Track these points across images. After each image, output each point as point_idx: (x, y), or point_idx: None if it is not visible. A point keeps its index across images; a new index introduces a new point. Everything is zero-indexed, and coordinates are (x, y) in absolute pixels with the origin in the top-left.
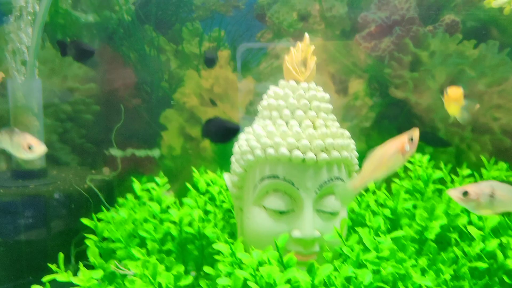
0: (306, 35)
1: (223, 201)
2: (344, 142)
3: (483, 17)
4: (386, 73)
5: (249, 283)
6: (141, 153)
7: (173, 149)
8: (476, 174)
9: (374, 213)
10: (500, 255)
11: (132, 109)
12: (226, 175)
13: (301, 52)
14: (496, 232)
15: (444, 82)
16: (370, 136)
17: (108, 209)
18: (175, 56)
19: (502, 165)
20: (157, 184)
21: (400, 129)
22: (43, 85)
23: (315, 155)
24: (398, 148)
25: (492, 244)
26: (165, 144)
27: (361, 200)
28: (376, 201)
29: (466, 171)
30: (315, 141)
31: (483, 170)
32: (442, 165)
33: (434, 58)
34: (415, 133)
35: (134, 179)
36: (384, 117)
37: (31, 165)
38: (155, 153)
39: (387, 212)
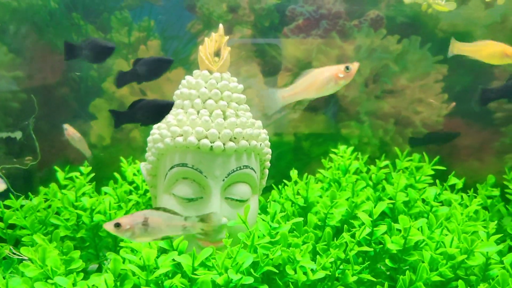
0: (221, 25)
1: (147, 190)
2: (254, 132)
3: (407, 13)
4: (314, 66)
5: (129, 265)
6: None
7: (103, 138)
8: (390, 165)
9: (293, 203)
10: (388, 240)
11: (60, 98)
12: (142, 164)
13: (215, 42)
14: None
15: (369, 76)
16: (298, 127)
17: (17, 198)
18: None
19: (415, 156)
20: (81, 173)
21: (327, 121)
22: None
23: (223, 144)
24: (333, 74)
25: (381, 229)
26: (94, 133)
27: (282, 190)
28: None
29: (383, 163)
30: (223, 130)
31: (397, 161)
32: (359, 156)
33: (359, 52)
34: (354, 64)
35: (57, 168)
36: (311, 109)
37: None
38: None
39: (300, 201)
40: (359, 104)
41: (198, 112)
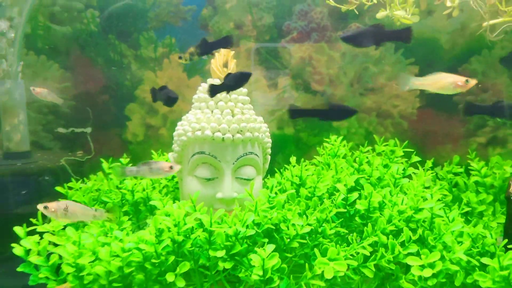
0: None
1: (174, 176)
2: (256, 125)
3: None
4: (308, 71)
5: (164, 222)
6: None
7: (137, 135)
8: (371, 150)
9: (293, 183)
10: (363, 205)
11: (102, 103)
12: (170, 154)
13: (223, 56)
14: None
15: (353, 77)
16: (296, 121)
17: (77, 181)
18: (135, 59)
19: (391, 142)
20: (121, 163)
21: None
22: (27, 85)
23: (232, 136)
24: (455, 81)
25: (353, 195)
26: (129, 131)
27: (283, 172)
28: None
29: (366, 148)
30: (232, 125)
31: (376, 146)
32: (344, 143)
33: (344, 58)
34: (473, 81)
35: (102, 159)
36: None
37: (17, 148)
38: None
39: (296, 180)
40: (346, 100)
41: (212, 112)
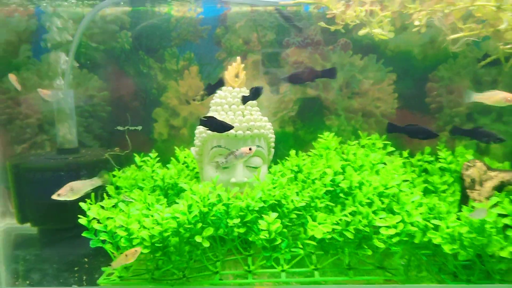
0: (238, 58)
1: (194, 167)
2: (262, 124)
3: (365, 39)
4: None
5: (193, 197)
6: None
7: (162, 135)
8: (357, 144)
9: (292, 171)
10: (346, 184)
11: (133, 109)
12: (192, 149)
13: (235, 68)
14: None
15: (342, 83)
16: (296, 122)
17: (119, 170)
18: (160, 71)
19: (373, 136)
20: (151, 157)
21: (313, 118)
22: (75, 95)
23: (243, 132)
24: (506, 96)
25: (339, 178)
26: (156, 132)
27: (284, 163)
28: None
29: (354, 142)
30: (243, 124)
31: (361, 140)
32: (335, 138)
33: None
34: None
35: (135, 154)
36: (304, 109)
37: (69, 145)
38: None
39: (295, 168)
40: (336, 103)
41: (226, 113)
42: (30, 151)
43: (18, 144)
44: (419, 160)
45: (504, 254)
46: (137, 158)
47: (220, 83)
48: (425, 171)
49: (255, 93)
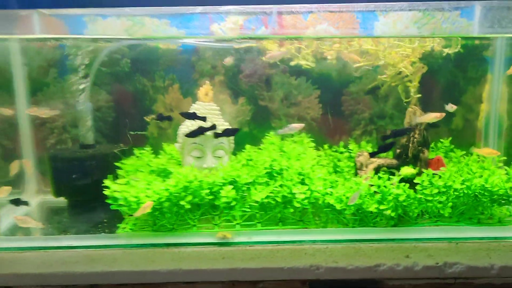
0: (207, 81)
1: (178, 157)
2: (224, 127)
3: (297, 66)
4: (256, 93)
5: (175, 174)
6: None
7: (153, 134)
8: (291, 140)
9: (246, 160)
10: (278, 167)
11: (131, 115)
12: (176, 144)
13: (205, 89)
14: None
15: (283, 96)
16: (250, 124)
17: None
18: (151, 88)
19: (304, 134)
20: (146, 150)
21: (262, 121)
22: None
23: (211, 133)
24: (436, 115)
25: (274, 163)
26: (148, 132)
27: (241, 154)
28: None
29: (289, 139)
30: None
31: (294, 137)
32: (277, 137)
33: (277, 85)
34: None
35: (134, 148)
36: (256, 114)
37: (88, 141)
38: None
39: (247, 157)
40: (279, 110)
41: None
42: (56, 146)
43: (48, 140)
44: (334, 151)
45: (372, 209)
46: (136, 151)
47: (167, 118)
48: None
49: (228, 132)
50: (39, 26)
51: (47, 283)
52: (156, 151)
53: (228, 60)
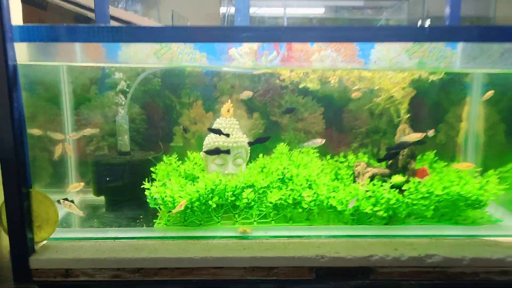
0: (229, 101)
1: (201, 164)
2: (242, 140)
3: (305, 88)
4: (268, 109)
5: (202, 178)
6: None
7: (179, 143)
8: (299, 151)
9: (261, 167)
10: (289, 174)
11: (161, 127)
12: (201, 153)
13: (227, 106)
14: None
15: (292, 113)
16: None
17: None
18: (178, 104)
19: (308, 148)
20: (174, 158)
21: (274, 134)
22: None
23: (232, 144)
24: (418, 135)
25: (285, 171)
26: (175, 142)
27: (255, 162)
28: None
29: (297, 150)
30: (231, 139)
31: (302, 149)
32: (286, 147)
33: (286, 103)
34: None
35: (164, 155)
36: (268, 128)
37: (125, 149)
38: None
39: (262, 165)
40: (288, 125)
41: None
42: (95, 152)
43: (88, 147)
44: (336, 161)
45: (367, 210)
46: (165, 158)
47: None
48: (338, 168)
49: (260, 140)
50: (80, 46)
51: (101, 266)
52: (181, 159)
53: (244, 95)
